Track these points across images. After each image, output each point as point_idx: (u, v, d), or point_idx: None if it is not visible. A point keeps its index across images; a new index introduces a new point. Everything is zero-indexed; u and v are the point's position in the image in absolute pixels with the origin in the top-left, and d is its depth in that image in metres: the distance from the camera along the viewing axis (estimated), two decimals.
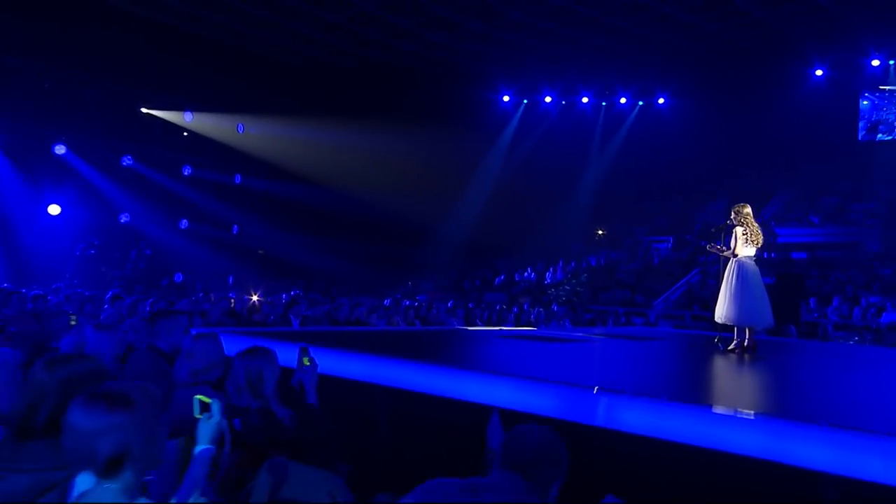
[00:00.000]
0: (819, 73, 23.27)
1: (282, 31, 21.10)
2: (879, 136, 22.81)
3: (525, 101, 26.48)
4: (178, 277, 20.76)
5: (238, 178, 22.50)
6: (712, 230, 7.37)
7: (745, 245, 6.64)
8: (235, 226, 22.56)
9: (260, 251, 23.49)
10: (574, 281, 20.99)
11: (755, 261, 6.74)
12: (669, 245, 22.68)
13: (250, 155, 22.07)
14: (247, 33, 21.07)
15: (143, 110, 20.12)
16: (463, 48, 23.02)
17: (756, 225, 6.78)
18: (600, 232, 25.44)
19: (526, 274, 22.85)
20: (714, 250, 6.99)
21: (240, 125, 22.35)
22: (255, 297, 12.92)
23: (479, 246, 23.89)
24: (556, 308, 18.07)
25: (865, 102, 23.43)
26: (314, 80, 23.24)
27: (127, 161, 19.62)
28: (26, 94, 17.85)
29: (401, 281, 23.07)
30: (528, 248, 23.84)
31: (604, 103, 26.62)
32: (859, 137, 23.02)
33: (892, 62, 22.68)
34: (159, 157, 20.46)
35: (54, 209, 18.53)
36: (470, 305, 18.42)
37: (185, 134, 21.34)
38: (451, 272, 23.85)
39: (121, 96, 19.59)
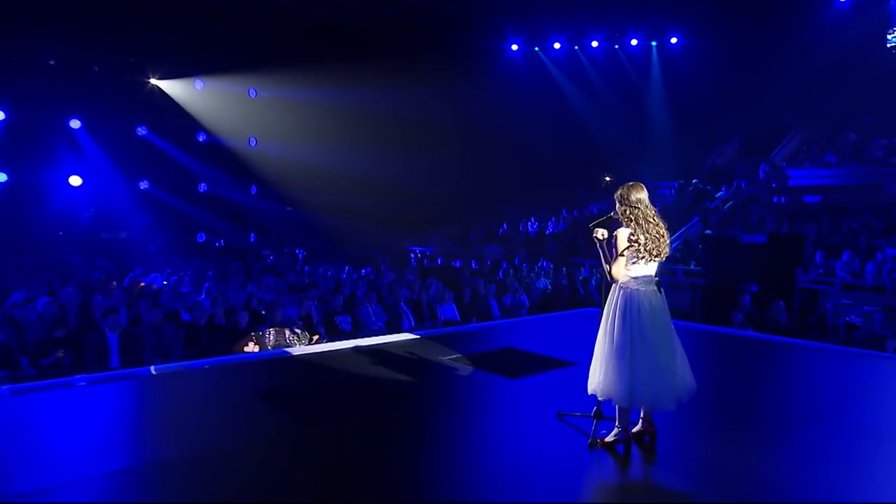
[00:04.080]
0: None
1: None
2: None
3: (536, 49, 22.60)
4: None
5: (253, 142, 20.09)
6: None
7: (635, 261, 3.58)
8: (254, 187, 20.39)
9: (289, 208, 21.24)
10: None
11: (657, 284, 3.64)
12: (674, 191, 18.98)
13: (262, 120, 19.56)
14: None
15: (152, 81, 17.75)
16: None
17: (657, 222, 3.63)
18: (607, 178, 21.85)
19: (530, 224, 19.80)
20: (600, 236, 3.81)
21: (251, 89, 19.78)
22: None
23: (486, 196, 20.87)
24: (543, 263, 15.17)
25: None
26: (323, 41, 20.21)
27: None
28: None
29: (414, 234, 20.55)
30: (533, 196, 20.68)
31: (616, 46, 22.46)
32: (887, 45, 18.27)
33: None
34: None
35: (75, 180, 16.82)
36: (456, 264, 15.80)
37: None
38: (460, 223, 21.05)
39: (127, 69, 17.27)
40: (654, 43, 21.98)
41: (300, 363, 5.78)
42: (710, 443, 3.89)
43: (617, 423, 3.65)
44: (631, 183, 3.73)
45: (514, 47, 22.43)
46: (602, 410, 3.84)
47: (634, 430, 3.75)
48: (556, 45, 22.35)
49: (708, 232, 15.13)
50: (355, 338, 8.72)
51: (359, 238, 19.42)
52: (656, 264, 3.60)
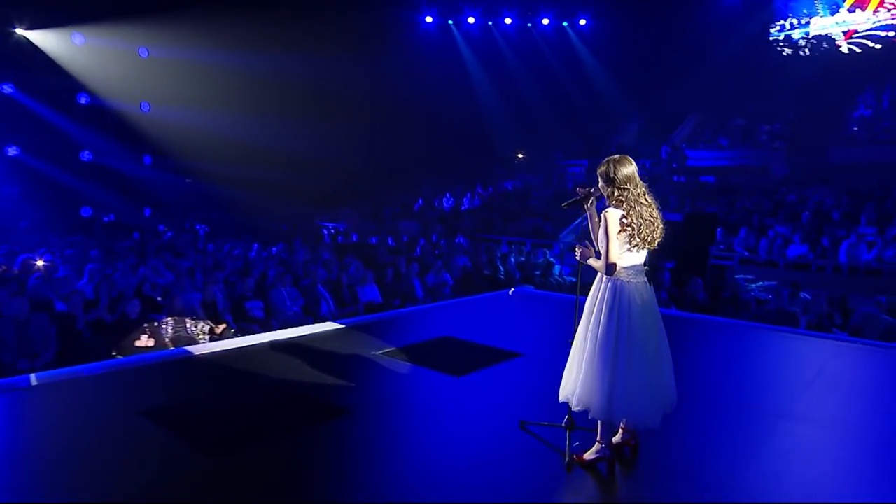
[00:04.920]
0: None
1: None
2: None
3: (450, 22, 21.64)
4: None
5: (146, 107, 17.72)
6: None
7: (626, 248, 2.93)
8: (147, 156, 18.10)
9: (188, 180, 19.03)
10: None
11: (647, 275, 2.99)
12: (584, 169, 19.01)
13: (156, 83, 17.23)
14: None
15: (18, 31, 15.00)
16: None
17: (650, 202, 2.96)
18: (520, 155, 21.57)
19: (445, 199, 19.12)
20: (580, 257, 3.12)
21: (142, 49, 17.36)
22: None
23: (401, 170, 19.88)
24: (460, 240, 14.57)
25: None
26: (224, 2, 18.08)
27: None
28: None
29: (326, 208, 19.22)
30: (449, 171, 19.98)
31: (529, 24, 22.03)
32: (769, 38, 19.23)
33: None
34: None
35: None
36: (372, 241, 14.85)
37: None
38: (373, 198, 19.96)
39: None
40: (564, 23, 21.80)
41: (205, 366, 4.72)
42: (699, 451, 3.36)
43: (598, 439, 3.01)
44: (616, 156, 3.04)
45: (429, 19, 21.39)
46: (574, 419, 3.21)
47: (613, 440, 3.16)
48: (471, 20, 21.56)
49: None
50: (268, 325, 7.65)
51: (267, 213, 17.85)
52: (646, 252, 2.96)
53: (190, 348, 5.11)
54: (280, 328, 7.27)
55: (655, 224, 2.88)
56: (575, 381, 2.96)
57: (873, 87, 17.33)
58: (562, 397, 3.07)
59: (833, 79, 17.65)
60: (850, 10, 18.27)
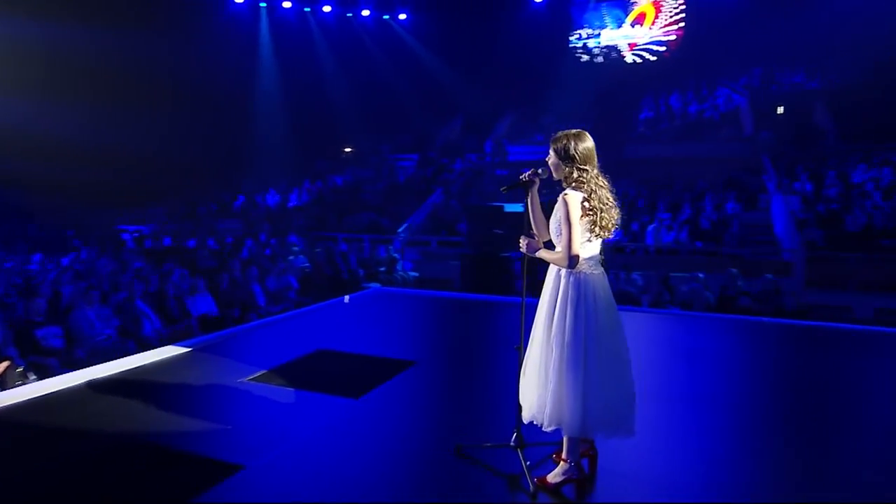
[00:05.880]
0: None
1: None
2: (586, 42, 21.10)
3: (262, 4, 19.86)
4: None
5: None
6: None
7: (588, 238, 2.52)
8: None
9: None
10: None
11: (603, 265, 2.61)
12: (414, 163, 18.91)
13: None
14: None
15: None
16: None
17: (606, 185, 2.58)
18: (347, 149, 20.78)
19: (269, 196, 17.57)
20: (527, 250, 2.73)
21: None
22: None
23: (216, 165, 17.76)
24: (293, 239, 13.43)
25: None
26: None
27: None
28: None
29: (128, 209, 16.37)
30: (270, 166, 18.38)
31: (349, 14, 21.21)
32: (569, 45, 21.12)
33: None
34: None
35: None
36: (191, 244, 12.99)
37: None
38: (184, 195, 17.57)
39: None
40: (386, 16, 21.45)
41: None
42: (669, 454, 3.15)
43: (565, 456, 2.61)
44: (573, 131, 2.65)
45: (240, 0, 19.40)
46: (524, 436, 2.77)
47: (564, 454, 2.79)
48: (287, 4, 20.08)
49: (453, 202, 15.31)
50: (72, 356, 5.99)
51: (49, 216, 14.61)
52: (601, 241, 2.61)
53: None
54: (89, 358, 5.74)
55: (614, 210, 2.55)
56: (543, 397, 2.53)
57: (653, 93, 19.97)
58: (527, 417, 2.61)
59: (622, 84, 19.94)
60: (632, 25, 20.82)
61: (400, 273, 11.82)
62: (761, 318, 6.86)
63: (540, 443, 2.87)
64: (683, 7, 19.57)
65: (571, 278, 2.52)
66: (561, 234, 2.52)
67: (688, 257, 11.77)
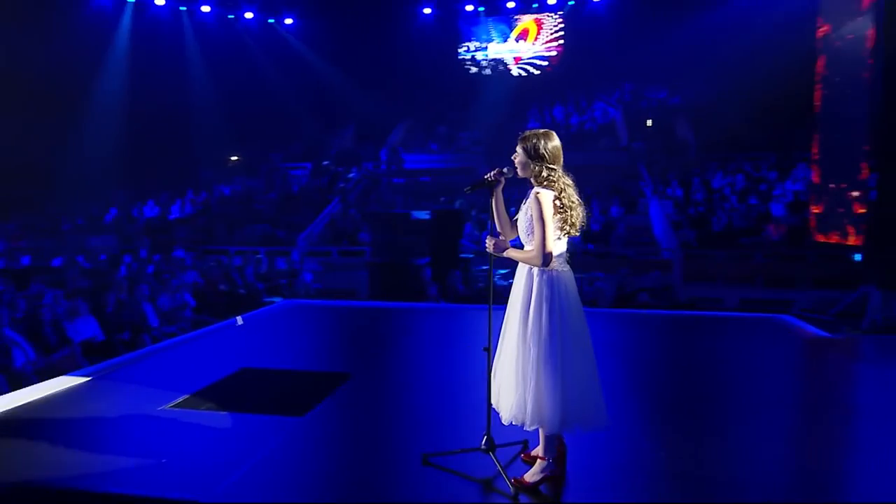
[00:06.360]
0: (427, 11, 20.94)
1: None
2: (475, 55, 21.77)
3: (131, 0, 18.22)
4: None
5: None
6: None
7: (558, 235, 2.55)
8: None
9: None
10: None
11: (569, 262, 2.64)
12: (307, 172, 18.30)
13: None
14: None
15: None
16: None
17: (572, 183, 2.63)
18: (234, 158, 19.65)
19: (147, 208, 16.12)
20: (494, 249, 2.71)
21: None
22: None
23: (81, 174, 15.93)
24: (180, 254, 12.44)
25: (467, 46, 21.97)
26: None
27: None
28: None
29: None
30: (147, 176, 16.88)
31: (230, 16, 20.12)
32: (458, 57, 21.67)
33: (482, 8, 21.57)
34: None
35: None
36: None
37: None
38: (44, 208, 15.59)
39: None
40: (271, 20, 20.64)
41: None
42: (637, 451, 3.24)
43: (542, 454, 2.62)
44: (542, 130, 2.66)
45: None
46: (493, 438, 2.75)
47: (533, 452, 2.81)
48: (160, 1, 18.61)
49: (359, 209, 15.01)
50: None
51: None
52: (567, 239, 2.66)
53: None
54: None
55: (581, 209, 2.62)
56: (523, 396, 2.52)
57: (538, 105, 21.05)
58: (506, 418, 2.58)
59: (509, 96, 20.81)
60: (516, 40, 21.84)
61: (304, 284, 11.39)
62: (657, 311, 7.47)
63: (509, 443, 2.86)
64: (563, 25, 20.87)
65: (544, 276, 2.56)
66: (533, 232, 2.55)
67: (582, 258, 12.49)
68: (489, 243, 2.74)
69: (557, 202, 2.53)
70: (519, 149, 2.65)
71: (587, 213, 2.65)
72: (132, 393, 3.93)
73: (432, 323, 6.57)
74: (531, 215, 2.56)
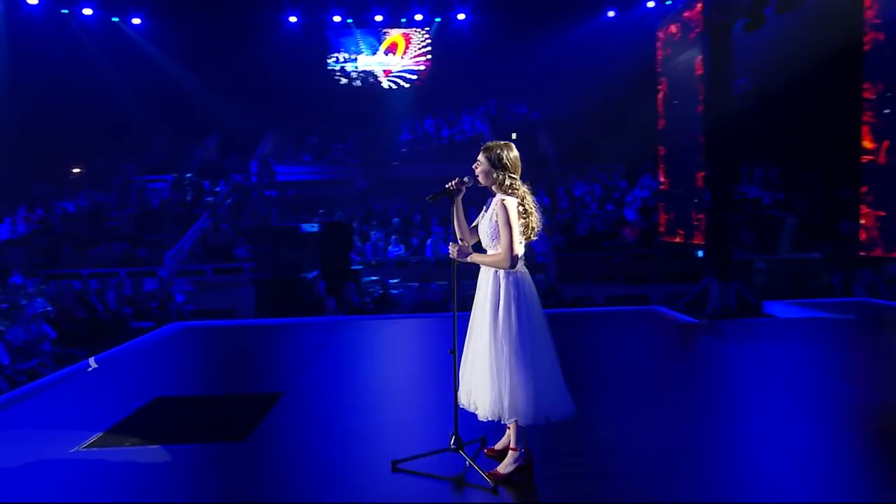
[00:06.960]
0: (293, 19, 20.45)
1: None
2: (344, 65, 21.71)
3: None
4: None
5: None
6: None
7: (520, 240, 2.72)
8: None
9: None
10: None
11: (526, 264, 2.81)
12: (169, 185, 16.86)
13: None
14: None
15: None
16: None
17: (531, 193, 2.81)
18: (76, 170, 17.51)
19: None
20: (458, 255, 2.86)
21: None
22: None
23: None
24: (18, 279, 10.88)
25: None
26: None
27: None
28: None
29: None
30: None
31: (64, 11, 17.90)
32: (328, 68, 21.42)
33: (350, 20, 21.56)
34: None
35: None
36: None
37: None
38: None
39: None
40: (115, 18, 18.74)
41: None
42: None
43: (513, 445, 2.75)
44: (503, 142, 2.82)
45: None
46: (461, 436, 2.85)
47: (497, 446, 2.96)
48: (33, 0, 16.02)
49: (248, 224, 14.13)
50: None
51: None
52: (525, 244, 2.84)
53: None
54: None
55: (539, 213, 2.82)
56: (499, 393, 2.65)
57: (410, 118, 21.46)
58: (484, 414, 2.69)
59: (381, 107, 20.99)
60: (385, 53, 22.11)
61: (176, 305, 10.54)
62: (546, 311, 8.06)
63: (469, 441, 2.97)
64: (430, 40, 21.53)
65: (510, 278, 2.74)
66: (498, 237, 2.71)
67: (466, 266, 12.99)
68: (452, 249, 2.86)
69: (520, 208, 2.73)
70: (482, 158, 2.81)
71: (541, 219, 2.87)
72: (30, 437, 3.43)
73: (341, 336, 6.47)
74: (496, 221, 2.73)
